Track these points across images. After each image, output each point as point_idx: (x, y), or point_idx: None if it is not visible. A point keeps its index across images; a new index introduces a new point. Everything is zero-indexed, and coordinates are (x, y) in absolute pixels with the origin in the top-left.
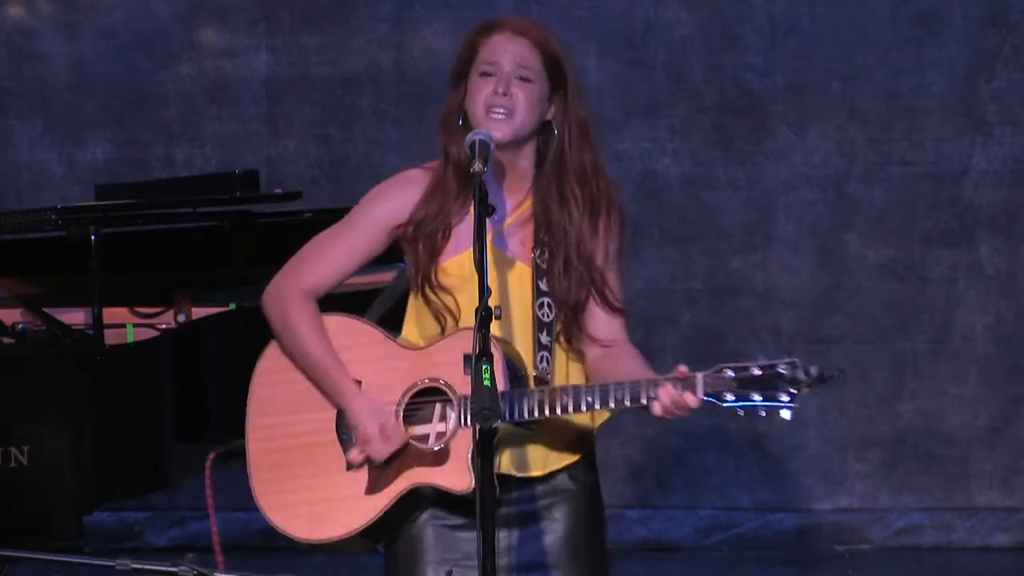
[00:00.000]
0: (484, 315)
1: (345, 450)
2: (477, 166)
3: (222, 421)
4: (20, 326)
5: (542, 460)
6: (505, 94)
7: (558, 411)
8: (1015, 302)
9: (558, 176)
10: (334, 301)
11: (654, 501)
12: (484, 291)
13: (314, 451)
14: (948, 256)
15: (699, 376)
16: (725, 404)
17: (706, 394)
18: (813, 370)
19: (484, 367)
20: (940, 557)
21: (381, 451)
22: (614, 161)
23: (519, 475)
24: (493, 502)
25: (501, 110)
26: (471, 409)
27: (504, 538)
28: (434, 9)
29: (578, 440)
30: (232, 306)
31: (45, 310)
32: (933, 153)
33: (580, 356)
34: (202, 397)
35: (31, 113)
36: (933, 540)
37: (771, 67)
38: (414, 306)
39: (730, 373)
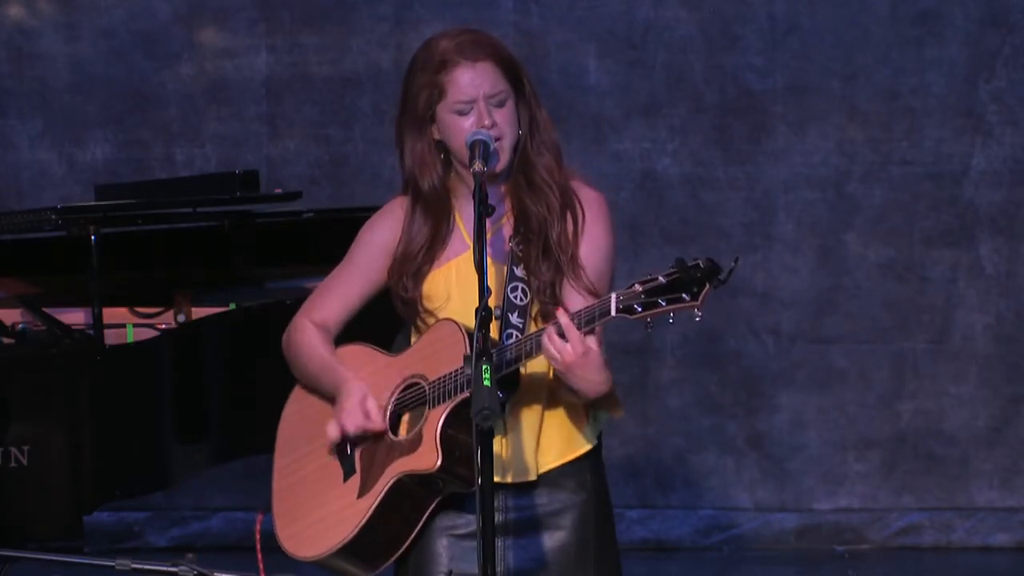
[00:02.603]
0: (484, 315)
1: (342, 463)
2: (477, 165)
3: (222, 421)
4: (20, 326)
5: (532, 463)
6: (493, 125)
7: (503, 367)
8: (1015, 302)
9: (527, 169)
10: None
11: (654, 501)
12: (484, 291)
13: (317, 475)
14: (948, 256)
15: (613, 295)
16: (634, 316)
17: (618, 311)
18: (710, 267)
19: (484, 367)
20: (940, 557)
21: (354, 421)
22: (614, 161)
23: (511, 481)
24: (492, 503)
25: (494, 141)
26: (472, 409)
27: (509, 546)
28: (434, 9)
29: (567, 441)
30: (232, 306)
31: (45, 310)
32: (933, 153)
33: None
34: (202, 397)
35: (31, 113)
36: (933, 540)
37: (771, 67)
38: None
39: (639, 287)
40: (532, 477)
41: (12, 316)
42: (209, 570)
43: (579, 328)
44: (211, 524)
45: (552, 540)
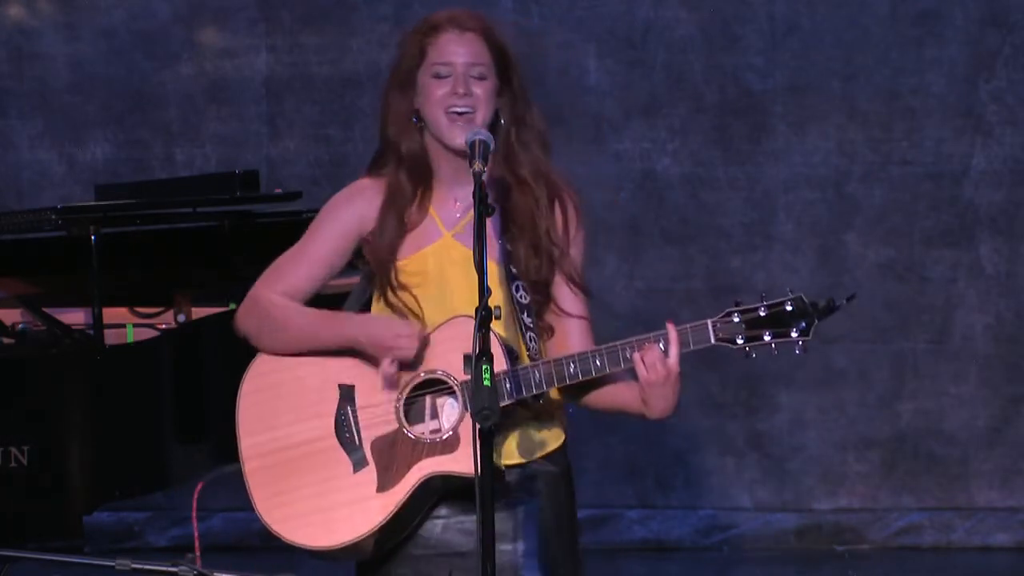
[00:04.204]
0: (484, 315)
1: (348, 452)
2: (477, 165)
3: (222, 421)
4: (20, 326)
5: (524, 448)
6: (466, 93)
7: (566, 379)
8: (1015, 302)
9: (512, 164)
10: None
11: (654, 501)
12: (484, 291)
13: (316, 458)
14: (948, 256)
15: (709, 323)
16: (736, 347)
17: (717, 339)
18: (821, 301)
19: (484, 367)
20: (940, 557)
21: (410, 346)
22: (614, 161)
23: (504, 464)
24: (492, 498)
25: (461, 108)
26: (472, 409)
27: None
28: (434, 9)
29: (554, 426)
30: (232, 306)
31: (45, 310)
32: (933, 153)
33: (549, 331)
34: (202, 397)
35: (31, 113)
36: (933, 540)
37: (771, 67)
38: (377, 311)
39: (737, 317)
40: (523, 460)
41: (12, 316)
42: (209, 570)
43: (667, 352)
44: (211, 524)
45: (528, 511)
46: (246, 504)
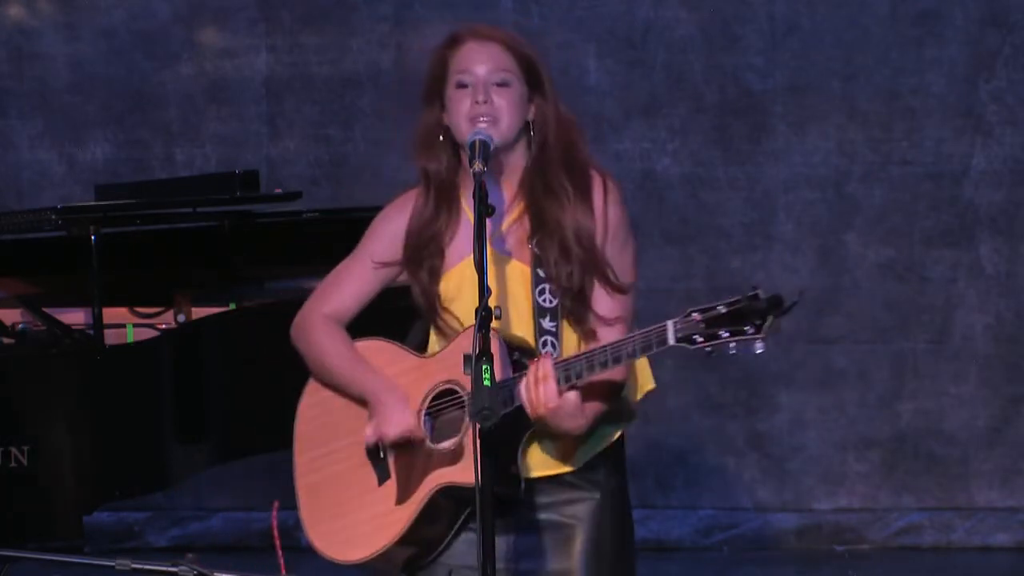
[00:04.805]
0: (484, 315)
1: (375, 466)
2: (477, 165)
3: (222, 421)
4: (20, 326)
5: (544, 459)
6: (486, 102)
7: (574, 378)
8: (1015, 302)
9: (544, 170)
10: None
11: (654, 501)
12: (484, 291)
13: (349, 475)
14: (948, 256)
15: (669, 323)
16: (695, 347)
17: (677, 340)
18: (773, 298)
19: (484, 367)
20: (940, 557)
21: (396, 430)
22: (614, 161)
23: (547, 474)
24: (491, 502)
25: (485, 118)
26: (472, 409)
27: (528, 543)
28: (434, 9)
29: (597, 435)
30: (232, 306)
31: (45, 310)
32: (933, 153)
33: (593, 336)
34: (202, 397)
35: (31, 113)
36: (933, 540)
37: (771, 67)
38: (433, 336)
39: (697, 316)
40: (572, 467)
41: (12, 316)
42: (209, 570)
43: (636, 356)
44: (211, 524)
45: (572, 536)
46: (246, 504)
